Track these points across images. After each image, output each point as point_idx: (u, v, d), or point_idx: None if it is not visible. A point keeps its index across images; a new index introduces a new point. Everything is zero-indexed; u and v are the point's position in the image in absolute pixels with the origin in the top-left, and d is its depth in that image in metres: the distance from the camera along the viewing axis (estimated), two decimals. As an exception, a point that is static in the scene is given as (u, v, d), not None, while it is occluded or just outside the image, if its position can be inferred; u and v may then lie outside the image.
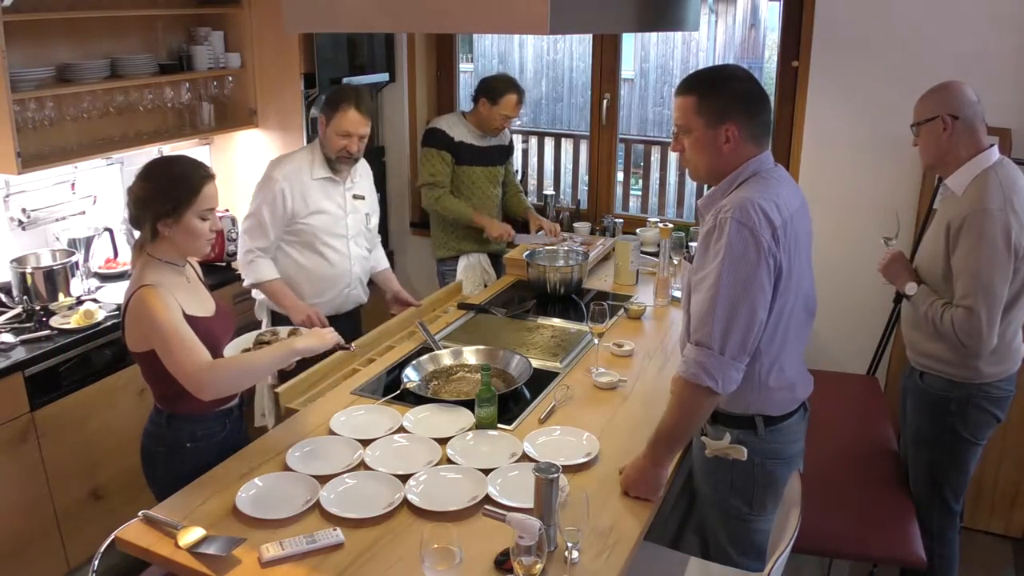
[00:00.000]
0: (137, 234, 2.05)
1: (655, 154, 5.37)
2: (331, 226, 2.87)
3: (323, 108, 2.82)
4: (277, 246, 2.85)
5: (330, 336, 2.10)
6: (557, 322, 2.92)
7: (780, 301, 1.79)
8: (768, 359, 1.85)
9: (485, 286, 3.54)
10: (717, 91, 1.82)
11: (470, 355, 2.55)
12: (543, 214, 3.86)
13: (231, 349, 2.09)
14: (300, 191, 2.79)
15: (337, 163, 2.83)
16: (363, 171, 3.02)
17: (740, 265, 1.72)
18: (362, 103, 2.78)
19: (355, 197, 2.95)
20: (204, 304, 2.10)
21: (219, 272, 3.35)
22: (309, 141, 3.57)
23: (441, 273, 3.73)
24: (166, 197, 1.95)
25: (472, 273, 3.63)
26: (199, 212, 1.98)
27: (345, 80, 3.72)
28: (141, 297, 1.93)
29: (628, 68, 8.75)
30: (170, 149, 3.53)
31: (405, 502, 1.81)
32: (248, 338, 2.23)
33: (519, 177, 4.33)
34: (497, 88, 3.45)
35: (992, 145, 2.26)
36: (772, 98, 3.62)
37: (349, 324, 2.95)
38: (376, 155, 4.18)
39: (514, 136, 3.99)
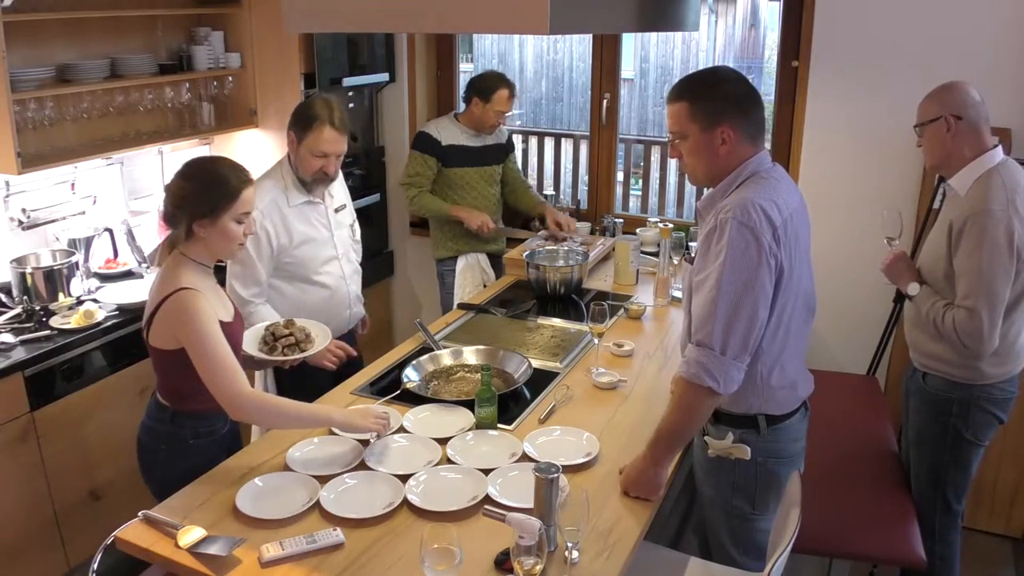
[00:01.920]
0: (158, 233, 2.07)
1: (655, 154, 5.37)
2: (320, 252, 2.64)
3: (292, 125, 2.54)
4: (268, 284, 2.58)
5: (373, 423, 1.99)
6: (557, 322, 2.92)
7: (781, 300, 1.80)
8: (770, 358, 1.85)
9: (484, 286, 3.54)
10: (709, 94, 1.83)
11: (470, 355, 2.55)
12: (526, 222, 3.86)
13: (248, 342, 2.15)
14: (282, 224, 2.54)
15: (313, 185, 2.58)
16: (337, 179, 2.70)
17: (741, 265, 1.72)
18: (336, 118, 2.50)
19: (336, 211, 2.72)
20: (226, 307, 2.09)
21: (219, 272, 3.32)
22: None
23: (440, 273, 3.73)
24: (205, 198, 1.95)
25: (471, 273, 3.63)
26: (236, 215, 1.98)
27: (345, 81, 3.72)
28: (184, 300, 1.91)
29: (628, 68, 8.76)
30: (170, 149, 3.53)
31: (405, 502, 1.81)
32: (258, 330, 2.29)
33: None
34: (487, 86, 3.46)
35: (996, 145, 2.26)
36: (772, 98, 3.63)
37: (349, 341, 2.73)
38: (376, 155, 4.18)
39: (513, 135, 3.98)
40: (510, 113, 3.57)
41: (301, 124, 2.52)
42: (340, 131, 2.52)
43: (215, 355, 1.89)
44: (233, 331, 2.06)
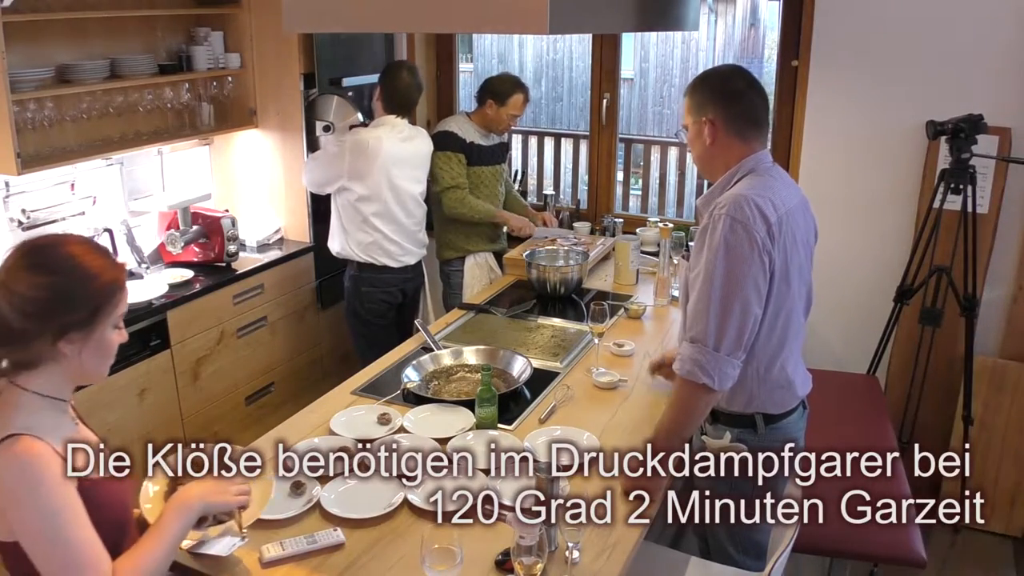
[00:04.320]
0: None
1: (655, 154, 5.38)
2: None
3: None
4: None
5: (233, 498, 1.55)
6: (557, 322, 2.92)
7: (777, 299, 1.80)
8: (768, 356, 1.85)
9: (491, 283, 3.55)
10: (698, 88, 1.91)
11: (470, 355, 2.55)
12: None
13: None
14: None
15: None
16: None
17: (733, 261, 1.73)
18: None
19: None
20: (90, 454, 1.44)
21: (219, 272, 3.35)
22: (308, 141, 3.57)
23: (446, 274, 3.72)
24: (79, 298, 1.37)
25: (479, 271, 3.63)
26: (117, 319, 1.45)
27: (345, 81, 3.72)
28: (10, 456, 1.29)
29: (628, 68, 8.75)
30: (170, 149, 3.53)
31: (405, 502, 1.81)
32: None
33: (517, 176, 4.33)
34: (504, 89, 3.46)
35: None
36: (772, 98, 3.62)
37: None
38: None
39: (513, 135, 3.99)
40: (521, 116, 3.56)
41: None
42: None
43: (66, 530, 1.30)
44: (114, 487, 1.47)
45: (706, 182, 2.01)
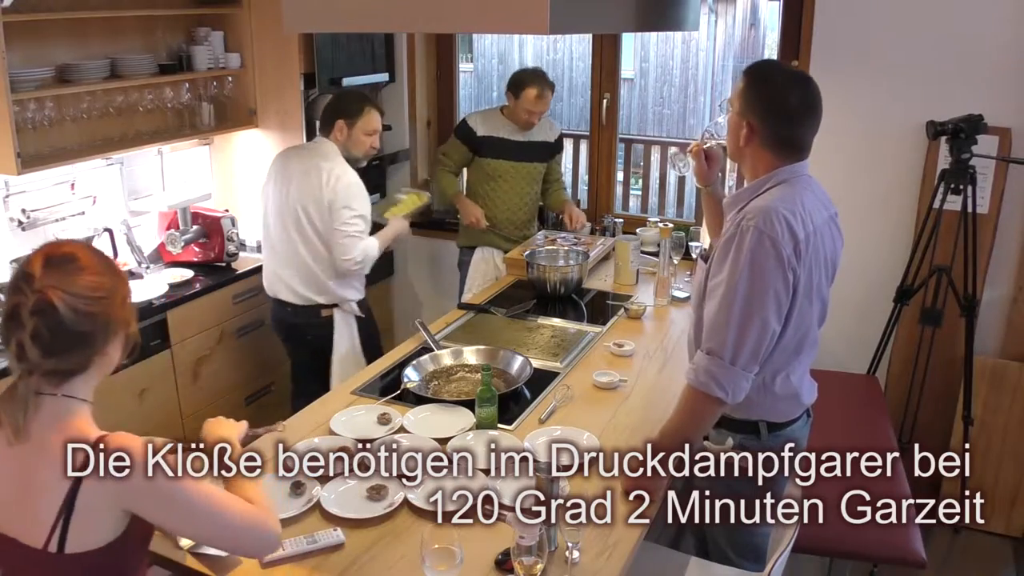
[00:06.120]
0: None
1: (655, 154, 5.38)
2: None
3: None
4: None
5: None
6: (557, 322, 2.92)
7: (799, 315, 1.79)
8: (778, 368, 1.85)
9: (496, 280, 3.55)
10: (754, 85, 1.82)
11: (470, 355, 2.55)
12: (543, 215, 3.89)
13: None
14: None
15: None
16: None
17: (758, 275, 1.71)
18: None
19: None
20: None
21: (219, 272, 3.35)
22: (308, 140, 3.57)
23: (461, 262, 3.78)
24: (125, 296, 1.44)
25: (485, 266, 3.64)
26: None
27: (345, 80, 3.72)
28: (136, 453, 1.27)
29: (628, 68, 8.75)
30: (170, 149, 3.53)
31: (405, 502, 1.81)
32: None
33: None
34: (521, 81, 3.44)
35: None
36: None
37: None
38: (374, 155, 4.17)
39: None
40: (543, 111, 3.47)
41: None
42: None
43: (229, 505, 1.38)
44: None
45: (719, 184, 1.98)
